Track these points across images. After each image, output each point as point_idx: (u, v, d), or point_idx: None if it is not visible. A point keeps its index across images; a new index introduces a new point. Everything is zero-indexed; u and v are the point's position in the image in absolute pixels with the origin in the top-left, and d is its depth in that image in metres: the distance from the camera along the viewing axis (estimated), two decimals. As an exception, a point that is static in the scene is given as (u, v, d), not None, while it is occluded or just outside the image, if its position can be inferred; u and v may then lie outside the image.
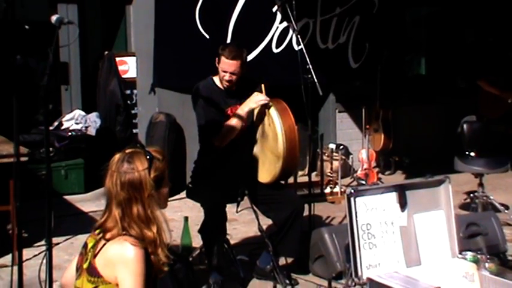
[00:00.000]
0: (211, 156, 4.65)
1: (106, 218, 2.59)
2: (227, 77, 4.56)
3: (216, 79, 4.71)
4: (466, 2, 9.48)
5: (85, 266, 2.56)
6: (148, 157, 2.57)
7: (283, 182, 4.99)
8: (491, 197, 6.36)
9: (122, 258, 2.47)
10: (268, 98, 4.54)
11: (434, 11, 9.95)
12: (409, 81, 9.42)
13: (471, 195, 6.48)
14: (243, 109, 4.57)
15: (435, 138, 8.68)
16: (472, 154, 6.43)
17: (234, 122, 4.55)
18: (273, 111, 4.51)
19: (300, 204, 4.65)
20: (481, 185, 6.39)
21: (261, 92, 4.61)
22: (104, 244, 2.52)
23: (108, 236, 2.54)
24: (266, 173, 4.62)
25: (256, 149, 4.72)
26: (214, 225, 4.49)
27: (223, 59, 4.55)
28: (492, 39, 8.85)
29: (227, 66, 4.54)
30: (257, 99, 4.56)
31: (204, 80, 4.77)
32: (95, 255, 2.53)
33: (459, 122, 6.68)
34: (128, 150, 2.61)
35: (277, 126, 4.45)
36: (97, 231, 2.60)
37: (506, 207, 6.27)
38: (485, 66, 8.01)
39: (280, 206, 4.58)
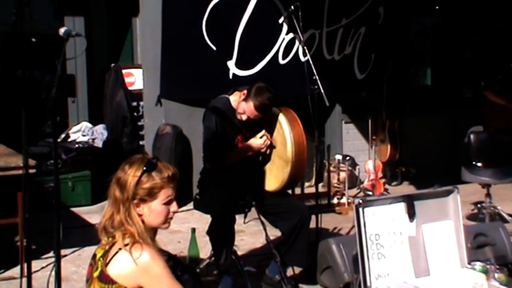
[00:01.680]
0: (217, 166, 4.65)
1: (104, 216, 2.69)
2: (244, 117, 4.53)
3: (232, 100, 4.66)
4: (470, 12, 9.50)
5: (95, 274, 2.59)
6: (145, 168, 2.62)
7: (289, 191, 4.99)
8: (499, 208, 6.34)
9: (139, 267, 2.52)
10: (269, 142, 4.57)
11: (439, 21, 9.97)
12: (414, 92, 9.42)
13: (478, 205, 6.47)
14: (244, 148, 4.61)
15: (442, 148, 8.67)
16: (479, 164, 6.42)
17: (236, 154, 4.60)
18: (281, 118, 4.53)
19: (307, 212, 4.65)
20: (488, 195, 6.38)
21: (272, 122, 4.62)
22: (116, 253, 2.56)
23: (116, 243, 2.58)
24: (274, 180, 4.62)
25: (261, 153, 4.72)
26: (223, 231, 4.48)
27: (251, 104, 4.45)
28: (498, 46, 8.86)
29: (251, 113, 4.49)
30: (258, 145, 4.58)
31: (219, 99, 4.72)
32: (106, 264, 2.56)
33: (466, 133, 6.67)
34: (138, 156, 2.72)
35: (285, 130, 4.48)
36: (104, 238, 2.65)
37: (514, 218, 6.24)
38: (490, 75, 8.02)
39: (286, 215, 4.58)
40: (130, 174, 2.63)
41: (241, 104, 4.52)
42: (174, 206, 2.70)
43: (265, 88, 4.51)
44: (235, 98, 4.64)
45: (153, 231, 2.71)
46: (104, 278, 2.55)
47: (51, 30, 4.12)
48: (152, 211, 2.66)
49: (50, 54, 3.90)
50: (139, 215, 2.65)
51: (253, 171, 4.71)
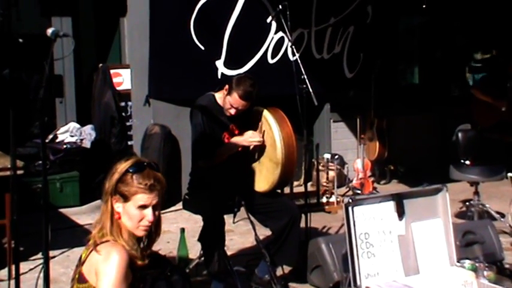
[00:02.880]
0: (207, 167, 4.64)
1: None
2: (233, 111, 4.53)
3: (218, 97, 4.67)
4: (456, 11, 9.54)
5: (77, 276, 2.62)
6: (129, 168, 2.65)
7: (279, 190, 4.99)
8: (487, 206, 6.37)
9: (101, 261, 2.51)
10: (261, 139, 4.56)
11: (427, 20, 10.00)
12: (402, 90, 9.45)
13: (467, 203, 6.50)
14: (236, 143, 4.60)
15: (430, 147, 8.70)
16: (467, 162, 6.45)
17: (224, 150, 4.58)
18: (270, 119, 4.53)
19: (297, 211, 4.65)
20: (476, 193, 6.41)
21: (259, 118, 4.62)
22: (91, 251, 2.57)
23: (96, 242, 2.60)
24: (264, 181, 4.61)
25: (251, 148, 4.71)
26: (213, 233, 4.47)
27: (235, 95, 4.47)
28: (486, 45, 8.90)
29: (237, 103, 4.50)
30: (250, 140, 4.58)
31: (205, 97, 4.72)
32: (82, 263, 2.59)
33: (454, 131, 6.70)
34: (139, 157, 2.75)
35: (275, 132, 4.46)
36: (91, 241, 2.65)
37: (502, 216, 6.27)
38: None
39: (277, 214, 4.57)
40: (118, 169, 2.67)
41: (227, 99, 4.53)
42: (148, 215, 2.65)
43: (245, 76, 4.59)
44: (220, 95, 4.65)
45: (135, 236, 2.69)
46: (80, 278, 2.57)
47: (39, 30, 4.10)
48: (126, 212, 2.65)
49: (38, 54, 3.88)
50: (117, 213, 2.65)
51: (243, 171, 4.71)
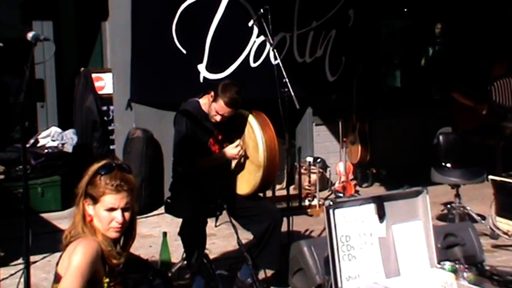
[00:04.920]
0: (188, 171, 4.64)
1: None
2: (218, 118, 4.54)
3: (202, 103, 4.67)
4: (438, 14, 9.61)
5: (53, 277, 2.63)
6: (98, 170, 2.67)
7: (261, 194, 5.00)
8: (468, 208, 6.40)
9: (71, 252, 2.54)
10: (243, 152, 4.56)
11: (408, 24, 10.06)
12: (384, 94, 9.50)
13: (448, 206, 6.53)
14: (218, 156, 4.60)
15: (412, 150, 8.74)
16: (449, 165, 6.48)
17: (206, 162, 4.58)
18: (253, 122, 4.53)
19: (278, 215, 4.66)
20: (457, 196, 6.44)
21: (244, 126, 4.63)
22: (64, 250, 2.60)
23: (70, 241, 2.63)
24: (246, 184, 4.62)
25: (235, 162, 4.72)
26: (194, 235, 4.46)
27: (221, 102, 4.47)
28: (466, 48, 8.96)
29: (223, 110, 4.50)
30: (232, 154, 4.58)
31: (189, 103, 4.72)
32: (57, 264, 2.61)
33: (435, 134, 6.73)
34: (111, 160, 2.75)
35: (257, 135, 4.47)
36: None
37: (483, 218, 6.30)
38: (459, 77, 8.11)
39: (258, 218, 4.58)
40: (89, 171, 2.69)
41: (212, 106, 4.53)
42: (117, 217, 2.65)
43: (231, 83, 4.57)
44: (205, 101, 4.64)
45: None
46: (56, 277, 2.58)
47: (19, 34, 4.08)
48: (96, 214, 2.66)
49: (18, 58, 3.85)
50: (89, 215, 2.66)
51: (225, 174, 4.71)
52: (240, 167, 4.67)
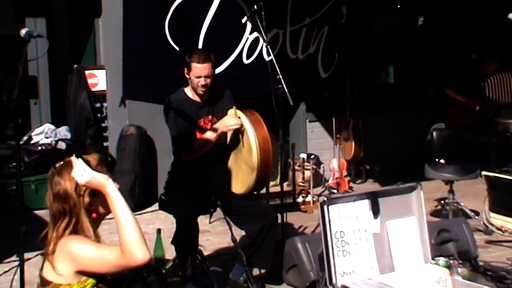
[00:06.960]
0: (185, 167, 4.63)
1: (46, 232, 2.68)
2: (202, 81, 4.54)
3: (187, 91, 4.70)
4: (431, 11, 9.62)
5: (38, 281, 2.62)
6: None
7: (255, 192, 4.99)
8: (462, 204, 6.43)
9: (66, 251, 2.52)
10: (239, 123, 4.51)
11: (401, 20, 10.07)
12: (378, 90, 9.50)
13: (442, 202, 6.55)
14: (214, 130, 4.56)
15: (405, 146, 8.76)
16: (442, 161, 6.51)
17: (203, 141, 4.55)
18: (246, 123, 4.49)
19: (274, 216, 4.65)
20: (451, 191, 6.46)
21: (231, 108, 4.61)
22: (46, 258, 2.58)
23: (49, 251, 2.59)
24: (240, 184, 4.61)
25: (230, 160, 4.71)
26: (186, 236, 4.46)
27: (194, 65, 4.55)
28: (459, 44, 8.97)
29: (200, 70, 4.53)
30: (228, 124, 4.54)
31: (175, 93, 4.74)
32: (41, 269, 2.60)
33: (428, 130, 6.75)
34: (57, 164, 2.70)
35: (251, 137, 4.43)
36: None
37: (477, 214, 6.33)
38: (452, 73, 8.13)
39: (253, 218, 4.56)
40: (66, 181, 2.61)
41: (192, 79, 4.58)
42: None
43: (195, 49, 4.60)
44: (189, 88, 4.69)
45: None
46: (42, 281, 2.58)
47: (12, 31, 4.07)
48: (101, 201, 2.61)
49: (11, 55, 3.85)
50: (96, 212, 2.63)
51: (220, 171, 4.70)
52: (235, 142, 4.64)
